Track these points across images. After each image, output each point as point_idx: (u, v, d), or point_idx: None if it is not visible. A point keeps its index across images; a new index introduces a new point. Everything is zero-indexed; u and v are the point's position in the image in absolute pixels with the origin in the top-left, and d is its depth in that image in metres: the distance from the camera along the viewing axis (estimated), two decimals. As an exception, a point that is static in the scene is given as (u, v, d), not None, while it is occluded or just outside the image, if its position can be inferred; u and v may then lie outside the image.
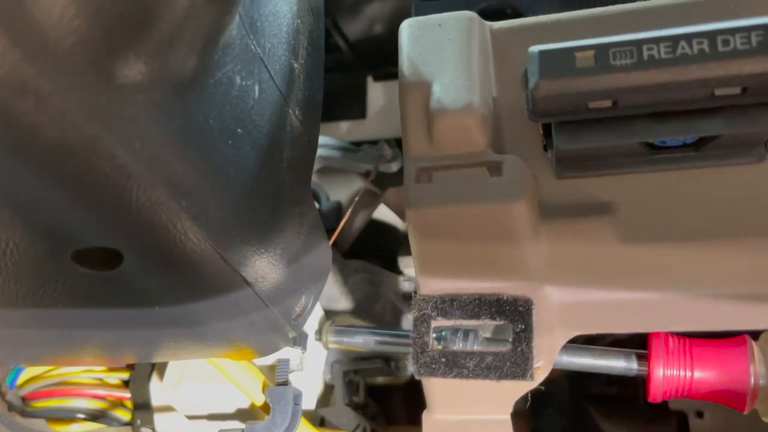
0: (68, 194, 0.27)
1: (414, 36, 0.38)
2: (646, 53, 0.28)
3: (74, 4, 0.22)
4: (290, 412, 0.46)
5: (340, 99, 0.71)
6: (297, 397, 0.47)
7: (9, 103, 0.23)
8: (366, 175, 0.64)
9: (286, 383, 0.48)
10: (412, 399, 0.75)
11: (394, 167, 0.60)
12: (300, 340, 0.49)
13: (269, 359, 0.51)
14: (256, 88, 0.33)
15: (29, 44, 0.22)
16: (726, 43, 0.28)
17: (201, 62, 0.28)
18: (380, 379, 0.66)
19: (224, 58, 0.30)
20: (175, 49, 0.26)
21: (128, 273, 0.32)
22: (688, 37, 0.28)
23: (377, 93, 0.72)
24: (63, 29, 0.23)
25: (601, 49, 0.29)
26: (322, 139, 0.62)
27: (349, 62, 0.71)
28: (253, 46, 0.33)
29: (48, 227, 0.29)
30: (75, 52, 0.23)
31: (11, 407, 0.57)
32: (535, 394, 0.39)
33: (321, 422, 0.56)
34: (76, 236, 0.30)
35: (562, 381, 0.77)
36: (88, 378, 0.57)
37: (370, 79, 0.72)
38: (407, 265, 0.65)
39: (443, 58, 0.37)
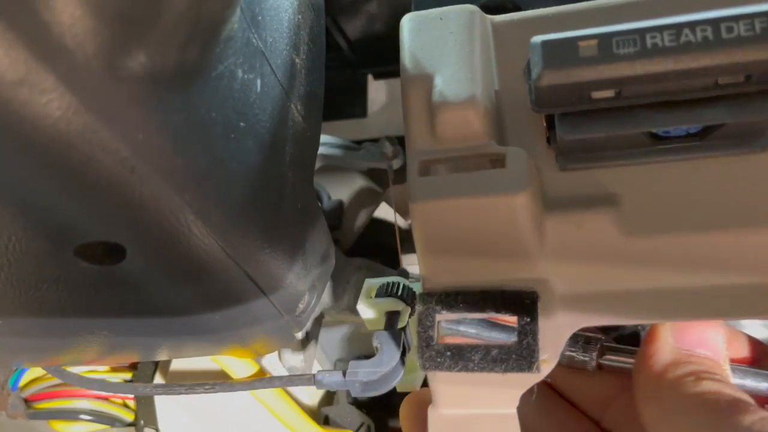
0: (70, 189, 0.27)
1: (415, 30, 0.38)
2: (649, 41, 0.28)
3: (76, -4, 0.22)
4: (398, 354, 0.44)
5: (341, 97, 0.71)
6: (408, 345, 0.45)
7: (10, 97, 0.23)
8: (368, 172, 0.64)
9: (394, 328, 0.46)
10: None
11: (395, 164, 0.60)
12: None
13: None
14: (258, 82, 0.33)
15: (30, 37, 0.22)
16: (730, 30, 0.28)
17: (203, 55, 0.28)
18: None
19: (226, 51, 0.30)
20: (176, 42, 0.26)
21: (132, 268, 0.32)
22: (692, 25, 0.28)
23: (378, 91, 0.72)
24: (65, 21, 0.23)
25: (604, 38, 0.29)
26: (323, 138, 0.62)
27: (350, 60, 0.71)
28: (254, 40, 0.32)
29: (51, 222, 0.29)
30: (77, 44, 0.23)
31: (14, 408, 0.56)
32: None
33: (325, 420, 0.56)
34: (79, 231, 0.30)
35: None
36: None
37: (370, 78, 0.72)
38: (409, 263, 0.65)
39: (445, 52, 0.36)
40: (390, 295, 0.46)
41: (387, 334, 0.45)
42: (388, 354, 0.44)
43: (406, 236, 0.68)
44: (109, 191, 0.27)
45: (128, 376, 0.57)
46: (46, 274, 0.32)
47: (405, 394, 0.72)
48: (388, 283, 0.47)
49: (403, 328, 0.48)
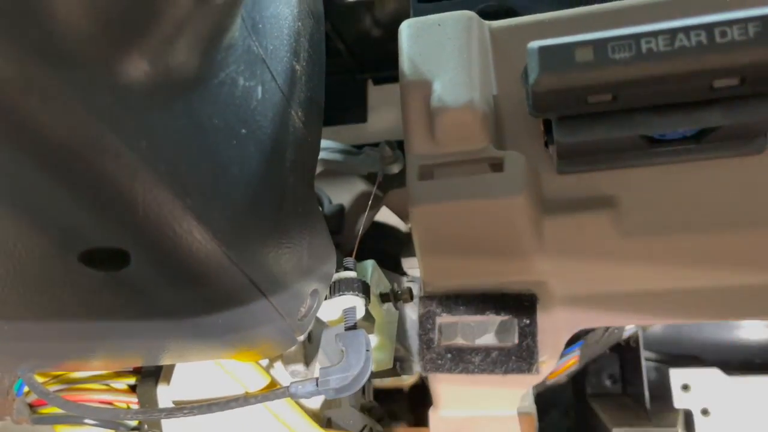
0: (74, 195, 0.27)
1: (414, 36, 0.39)
2: (644, 46, 0.29)
3: (79, 4, 0.23)
4: (364, 354, 0.45)
5: (341, 103, 0.72)
6: (368, 343, 0.46)
7: (15, 103, 0.23)
8: (368, 177, 0.64)
9: (355, 327, 0.47)
10: (417, 401, 0.75)
11: (395, 169, 0.61)
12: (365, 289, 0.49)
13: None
14: (259, 89, 0.33)
15: (35, 44, 0.23)
16: (723, 34, 0.28)
17: (204, 62, 0.28)
18: (386, 381, 0.66)
19: (227, 59, 0.30)
20: (178, 49, 0.26)
21: (136, 274, 0.32)
22: (686, 30, 0.28)
23: (377, 96, 0.72)
24: (68, 28, 0.23)
25: (600, 44, 0.29)
26: (324, 143, 0.62)
27: (349, 66, 0.71)
28: (255, 48, 0.33)
29: (55, 228, 0.29)
30: (80, 51, 0.24)
31: (19, 414, 0.57)
32: (538, 395, 0.39)
33: (328, 423, 0.57)
34: (83, 237, 0.30)
35: (565, 382, 0.77)
36: (94, 384, 0.57)
37: (370, 83, 0.73)
38: (410, 267, 0.65)
39: (443, 57, 0.37)
40: (342, 292, 0.47)
41: (350, 335, 0.46)
42: (354, 356, 0.45)
43: (406, 240, 0.69)
44: (112, 197, 0.28)
45: (132, 380, 0.57)
46: (50, 280, 0.33)
47: (407, 396, 0.72)
48: (338, 280, 0.48)
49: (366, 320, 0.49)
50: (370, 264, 0.55)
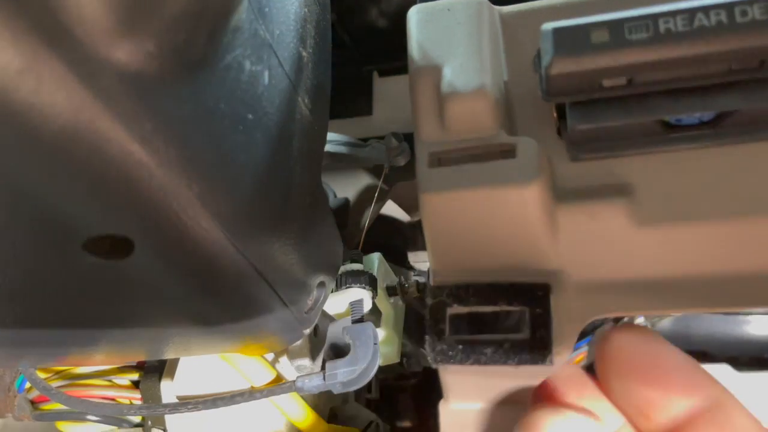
0: (78, 181, 0.27)
1: (422, 21, 0.38)
2: (662, 27, 0.28)
3: (82, -18, 0.22)
4: (371, 348, 0.45)
5: (346, 95, 0.71)
6: (376, 336, 0.46)
7: (18, 86, 0.23)
8: (373, 170, 0.63)
9: (362, 320, 0.47)
10: (421, 397, 0.74)
11: (401, 161, 0.60)
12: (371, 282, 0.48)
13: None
14: (266, 74, 0.33)
15: (38, 26, 0.22)
16: (744, 14, 0.27)
17: (210, 44, 0.28)
18: (391, 376, 0.66)
19: (233, 42, 0.30)
20: (184, 29, 0.26)
21: (140, 263, 0.31)
22: (706, 9, 0.28)
23: (383, 88, 0.71)
24: (73, 9, 0.22)
25: (616, 24, 0.29)
26: (329, 135, 0.62)
27: (355, 58, 0.71)
28: (262, 32, 0.32)
29: (58, 216, 0.29)
30: (85, 32, 0.23)
31: (21, 410, 0.56)
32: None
33: (334, 418, 0.56)
34: (87, 224, 0.29)
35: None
36: (97, 379, 0.57)
37: (375, 75, 0.72)
38: (417, 261, 0.65)
39: (453, 42, 0.36)
40: (349, 285, 0.47)
41: (357, 327, 0.45)
42: (362, 350, 0.44)
43: (412, 233, 0.68)
44: (117, 183, 0.27)
45: (135, 376, 0.57)
46: (53, 269, 0.32)
47: (411, 393, 0.71)
48: (345, 273, 0.47)
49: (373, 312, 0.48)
50: (376, 257, 0.54)
